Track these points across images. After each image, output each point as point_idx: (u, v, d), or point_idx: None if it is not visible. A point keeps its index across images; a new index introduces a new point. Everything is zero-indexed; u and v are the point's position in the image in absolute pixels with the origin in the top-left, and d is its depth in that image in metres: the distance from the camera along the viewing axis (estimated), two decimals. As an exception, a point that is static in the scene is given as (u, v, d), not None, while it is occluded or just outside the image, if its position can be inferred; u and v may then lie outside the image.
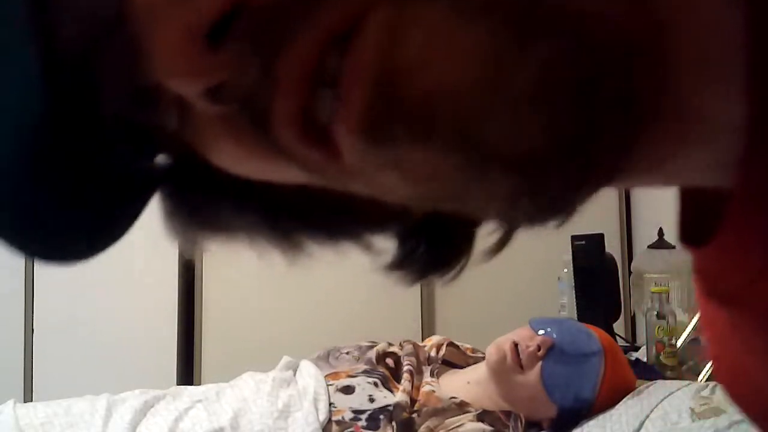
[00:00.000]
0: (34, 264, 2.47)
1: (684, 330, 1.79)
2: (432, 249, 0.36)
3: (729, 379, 0.37)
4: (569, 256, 2.13)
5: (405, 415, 1.40)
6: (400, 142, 0.24)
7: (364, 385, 1.48)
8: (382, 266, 0.37)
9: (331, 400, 1.45)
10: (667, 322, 1.71)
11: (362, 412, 1.42)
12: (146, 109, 0.28)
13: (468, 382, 1.49)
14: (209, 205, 0.34)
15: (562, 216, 0.27)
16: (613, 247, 2.37)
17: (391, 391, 1.48)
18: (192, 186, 0.33)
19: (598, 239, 2.03)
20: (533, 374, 1.39)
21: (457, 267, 0.37)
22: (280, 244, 0.36)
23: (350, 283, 2.57)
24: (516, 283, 2.60)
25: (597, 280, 2.04)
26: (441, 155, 0.24)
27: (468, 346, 1.69)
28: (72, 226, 0.30)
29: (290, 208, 0.34)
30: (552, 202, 0.26)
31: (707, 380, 1.46)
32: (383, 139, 0.25)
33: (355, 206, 0.33)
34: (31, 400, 2.33)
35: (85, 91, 0.27)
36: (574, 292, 2.11)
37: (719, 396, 1.22)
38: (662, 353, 1.70)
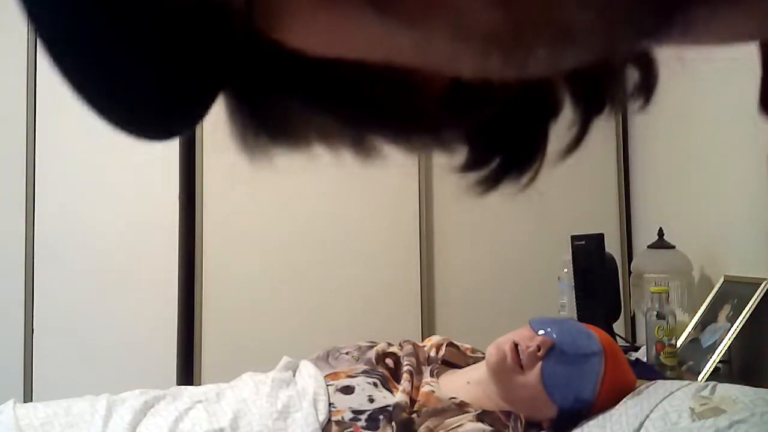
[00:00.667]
0: (34, 264, 2.48)
1: (684, 330, 1.79)
2: (505, 151, 0.34)
3: None
4: (569, 256, 2.13)
5: (404, 415, 1.40)
6: None
7: (363, 386, 1.48)
8: (454, 168, 0.34)
9: (331, 401, 1.45)
10: (667, 322, 1.71)
11: (362, 412, 1.42)
12: None
13: (468, 382, 1.49)
14: (278, 103, 0.32)
15: (671, 24, 0.24)
16: (613, 247, 2.38)
17: (391, 392, 1.48)
18: (260, 84, 0.31)
19: (598, 239, 2.03)
20: (533, 374, 1.39)
21: (531, 169, 0.34)
22: (351, 142, 0.33)
23: (350, 284, 2.57)
24: (516, 283, 2.60)
25: (597, 280, 2.05)
26: None
27: (468, 346, 1.69)
28: (139, 104, 0.29)
29: (361, 102, 0.32)
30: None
31: (707, 380, 1.46)
32: None
33: (428, 96, 0.31)
34: (31, 400, 2.33)
35: None
36: (574, 292, 2.11)
37: (719, 396, 1.22)
38: (662, 353, 1.70)
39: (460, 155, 0.34)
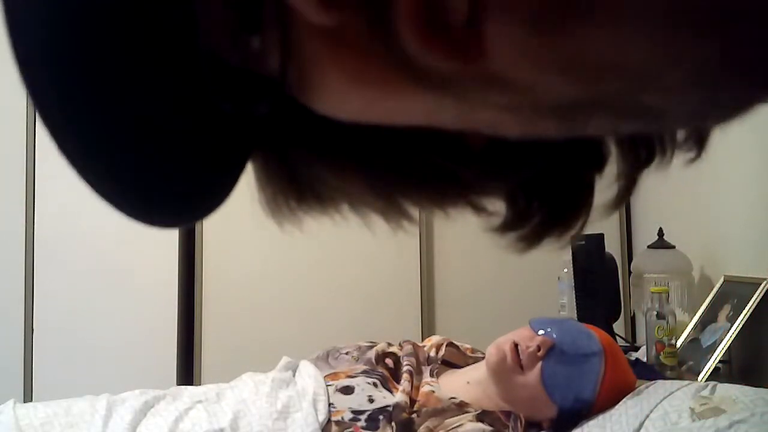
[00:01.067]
0: (34, 264, 2.48)
1: (684, 330, 1.79)
2: (548, 206, 0.32)
3: None
4: (569, 256, 2.13)
5: (404, 415, 1.40)
6: (579, 22, 0.20)
7: (363, 386, 1.48)
8: (493, 229, 0.32)
9: (331, 401, 1.45)
10: (667, 322, 1.71)
11: (361, 412, 1.41)
12: (245, 46, 0.25)
13: (468, 382, 1.49)
14: (308, 170, 0.31)
15: (751, 107, 0.22)
16: (613, 247, 2.37)
17: (391, 392, 1.48)
18: (290, 150, 0.31)
19: (598, 239, 2.03)
20: (533, 375, 1.39)
21: (576, 225, 0.32)
22: (383, 210, 0.32)
23: (350, 284, 2.57)
24: (516, 283, 2.60)
25: (597, 280, 2.04)
26: (623, 30, 0.20)
27: (468, 346, 1.69)
28: (170, 187, 0.29)
29: (395, 169, 0.31)
30: (749, 82, 0.21)
31: (707, 380, 1.46)
32: (559, 24, 0.20)
33: (463, 162, 0.30)
34: (31, 400, 2.33)
35: (180, 24, 0.25)
36: (574, 292, 2.11)
37: (719, 396, 1.22)
38: (662, 353, 1.70)
39: (498, 216, 0.32)
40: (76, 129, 0.26)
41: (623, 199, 0.32)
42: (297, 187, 0.32)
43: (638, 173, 0.31)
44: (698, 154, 0.31)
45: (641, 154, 0.31)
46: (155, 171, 0.28)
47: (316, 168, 0.31)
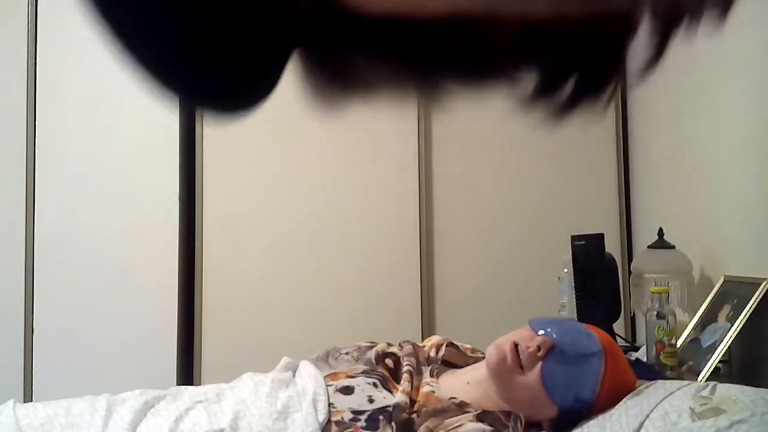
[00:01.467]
0: (34, 264, 2.48)
1: (684, 330, 1.79)
2: (580, 73, 0.32)
3: None
4: (569, 256, 2.13)
5: (404, 415, 1.40)
6: None
7: (363, 386, 1.47)
8: (526, 98, 0.33)
9: (331, 401, 1.45)
10: (667, 322, 1.71)
11: (361, 412, 1.41)
12: None
13: (468, 383, 1.49)
14: (348, 57, 0.32)
15: None
16: (613, 247, 2.38)
17: (391, 392, 1.48)
18: (330, 41, 0.32)
19: (598, 239, 2.03)
20: (533, 375, 1.39)
21: (608, 90, 0.33)
22: (422, 89, 0.33)
23: (350, 284, 2.57)
24: (516, 283, 2.60)
25: (597, 280, 2.04)
26: None
27: (468, 346, 1.69)
28: (220, 80, 0.31)
29: (431, 48, 0.31)
30: None
31: (707, 380, 1.46)
32: None
33: (498, 38, 0.31)
34: (31, 400, 2.33)
35: None
36: (574, 292, 2.11)
37: (719, 396, 1.22)
38: (662, 353, 1.70)
39: (529, 84, 0.33)
40: (141, 38, 0.29)
41: (656, 61, 0.32)
42: (338, 76, 0.33)
43: (669, 35, 0.32)
44: (723, 14, 0.32)
45: (670, 15, 0.32)
46: (209, 66, 0.30)
47: (356, 55, 0.32)
